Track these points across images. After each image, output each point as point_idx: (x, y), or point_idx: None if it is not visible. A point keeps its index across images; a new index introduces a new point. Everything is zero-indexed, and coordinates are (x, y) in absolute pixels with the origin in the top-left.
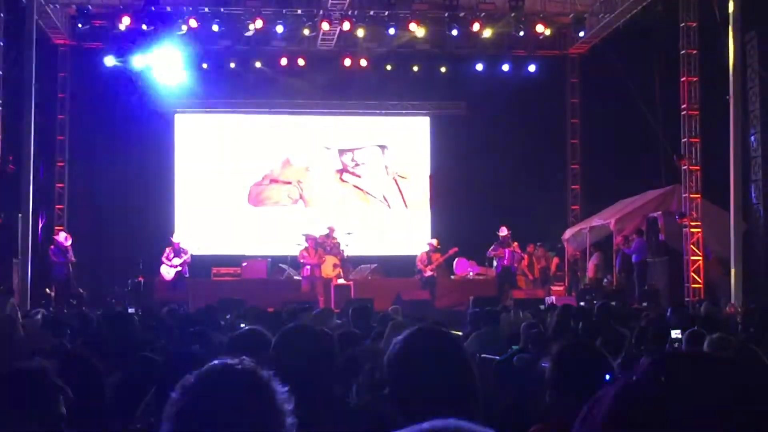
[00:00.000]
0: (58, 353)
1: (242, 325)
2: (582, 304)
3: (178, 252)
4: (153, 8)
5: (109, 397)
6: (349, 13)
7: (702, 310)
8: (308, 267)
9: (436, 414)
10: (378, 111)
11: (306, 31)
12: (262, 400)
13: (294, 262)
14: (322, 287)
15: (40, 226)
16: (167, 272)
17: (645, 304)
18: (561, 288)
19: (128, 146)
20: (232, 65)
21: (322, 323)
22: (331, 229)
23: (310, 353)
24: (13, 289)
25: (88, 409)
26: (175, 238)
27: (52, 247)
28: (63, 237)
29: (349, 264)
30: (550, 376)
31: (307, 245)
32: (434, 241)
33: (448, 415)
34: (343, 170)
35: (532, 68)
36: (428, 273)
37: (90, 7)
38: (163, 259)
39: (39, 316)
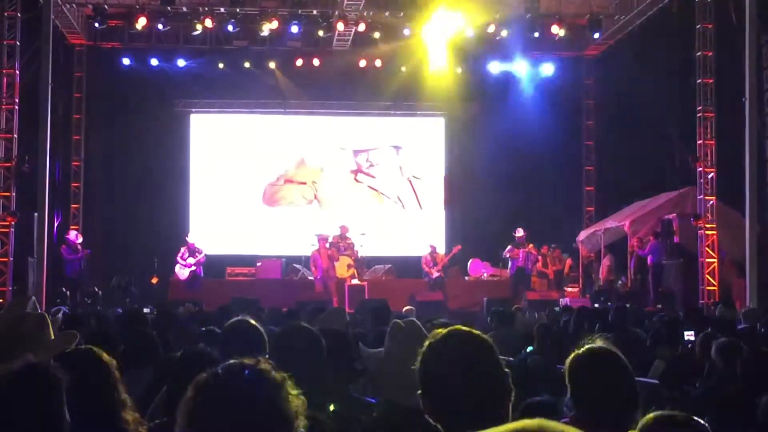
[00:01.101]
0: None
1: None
2: (596, 306)
3: (192, 252)
4: (169, 8)
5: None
6: (365, 14)
7: (717, 313)
8: (320, 267)
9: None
10: (393, 111)
11: (321, 32)
12: (276, 401)
13: (308, 263)
14: (334, 287)
15: (56, 225)
16: (182, 272)
17: (659, 306)
18: (575, 290)
19: (144, 146)
20: (248, 65)
21: (332, 323)
22: (344, 229)
23: (312, 352)
24: (27, 286)
25: (99, 405)
26: (190, 238)
27: (63, 246)
28: (74, 235)
29: (363, 264)
30: (570, 378)
31: (318, 246)
32: (434, 243)
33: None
34: (357, 171)
35: (547, 69)
36: (435, 274)
37: (106, 7)
38: (178, 258)
39: (60, 315)
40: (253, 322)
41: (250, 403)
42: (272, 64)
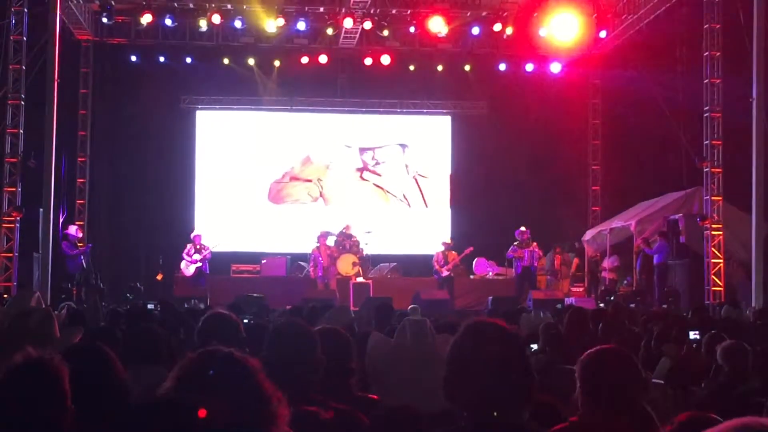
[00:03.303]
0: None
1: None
2: (601, 305)
3: (199, 249)
4: (176, 4)
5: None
6: (371, 11)
7: (722, 313)
8: (321, 266)
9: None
10: (399, 110)
11: (330, 30)
12: (249, 382)
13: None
14: (336, 285)
15: (61, 221)
16: (188, 268)
17: (665, 306)
18: (581, 289)
19: (149, 142)
20: (253, 62)
21: (337, 321)
22: (347, 227)
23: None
24: (32, 282)
25: (105, 399)
26: (196, 232)
27: (64, 242)
28: (74, 230)
29: (368, 262)
30: (580, 379)
31: (318, 244)
32: (447, 240)
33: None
34: (363, 169)
35: (554, 68)
36: (445, 273)
37: (113, 2)
38: (184, 255)
39: (64, 310)
40: (229, 314)
41: (226, 384)
42: (278, 61)
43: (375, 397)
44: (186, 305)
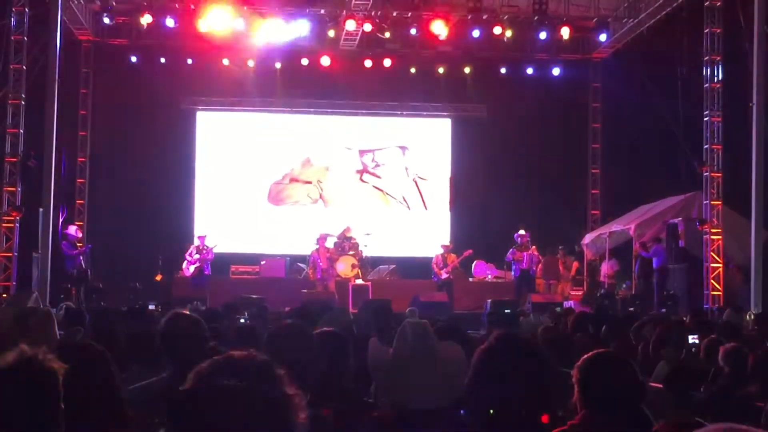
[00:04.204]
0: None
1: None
2: (594, 309)
3: (200, 250)
4: (177, 5)
5: None
6: (372, 13)
7: (724, 317)
8: (319, 269)
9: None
10: (399, 112)
11: (330, 32)
12: (271, 385)
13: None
14: (334, 286)
15: (61, 220)
16: (188, 269)
17: (664, 310)
18: (580, 293)
19: (149, 143)
20: (254, 63)
21: (336, 323)
22: (347, 229)
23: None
24: (31, 282)
25: (99, 399)
26: (199, 235)
27: (64, 242)
28: (73, 230)
29: (368, 264)
30: (578, 383)
31: (317, 246)
32: (446, 242)
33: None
34: (363, 171)
35: (555, 72)
36: (444, 275)
37: (114, 3)
38: (186, 255)
39: (62, 310)
40: (193, 315)
41: (248, 390)
42: (279, 63)
43: (371, 400)
44: (189, 305)
